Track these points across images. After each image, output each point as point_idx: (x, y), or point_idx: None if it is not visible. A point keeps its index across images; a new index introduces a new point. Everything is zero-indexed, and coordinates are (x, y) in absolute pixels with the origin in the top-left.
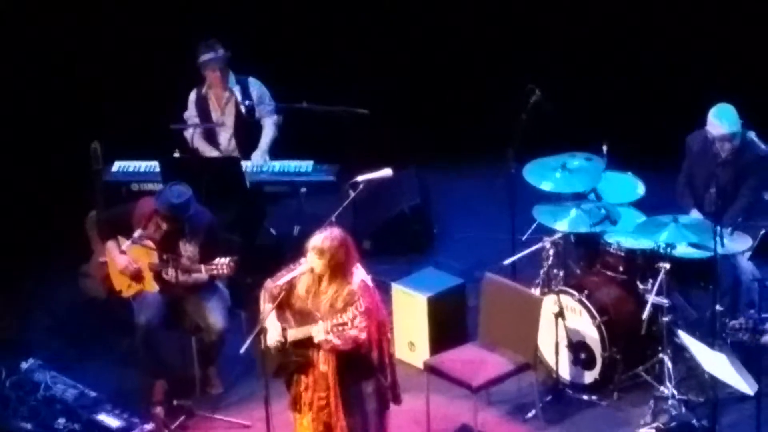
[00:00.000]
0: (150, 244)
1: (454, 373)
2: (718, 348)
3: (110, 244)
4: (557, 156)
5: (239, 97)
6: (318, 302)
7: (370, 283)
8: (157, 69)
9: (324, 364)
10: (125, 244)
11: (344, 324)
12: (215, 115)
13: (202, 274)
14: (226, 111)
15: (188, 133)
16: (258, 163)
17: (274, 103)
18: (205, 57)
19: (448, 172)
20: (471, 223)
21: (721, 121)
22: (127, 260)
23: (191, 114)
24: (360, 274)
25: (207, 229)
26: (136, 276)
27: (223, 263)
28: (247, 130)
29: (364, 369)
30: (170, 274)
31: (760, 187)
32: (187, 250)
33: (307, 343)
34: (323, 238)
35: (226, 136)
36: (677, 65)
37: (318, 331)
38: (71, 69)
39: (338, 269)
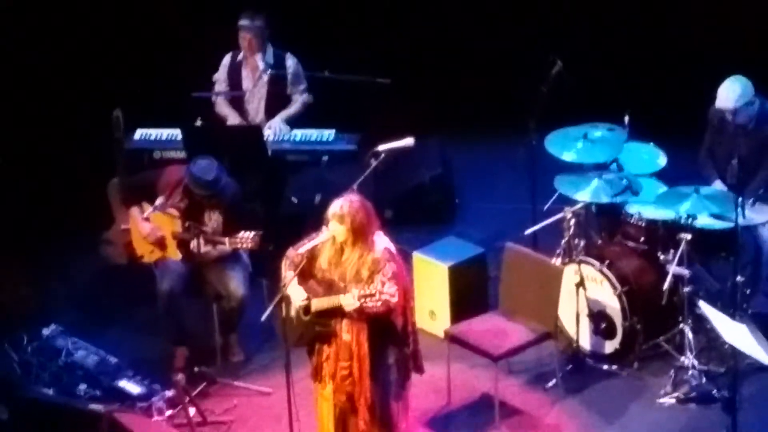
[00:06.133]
0: (174, 212)
1: (475, 342)
2: (739, 319)
3: (134, 210)
4: (579, 126)
5: (261, 65)
6: (342, 270)
7: (393, 249)
8: (180, 36)
9: (347, 333)
10: (147, 211)
11: (372, 295)
12: (246, 84)
13: (226, 246)
14: (259, 83)
15: (214, 97)
16: (275, 130)
17: (307, 83)
18: (241, 22)
19: (470, 142)
20: (492, 193)
21: (723, 94)
22: (150, 227)
23: (221, 77)
24: (383, 242)
25: (232, 200)
26: (160, 243)
27: (247, 237)
28: (277, 104)
29: (388, 338)
30: (194, 245)
31: None
32: (212, 219)
33: (330, 312)
34: (341, 204)
35: (254, 107)
36: (701, 35)
37: (349, 301)
38: (94, 36)
39: (360, 232)
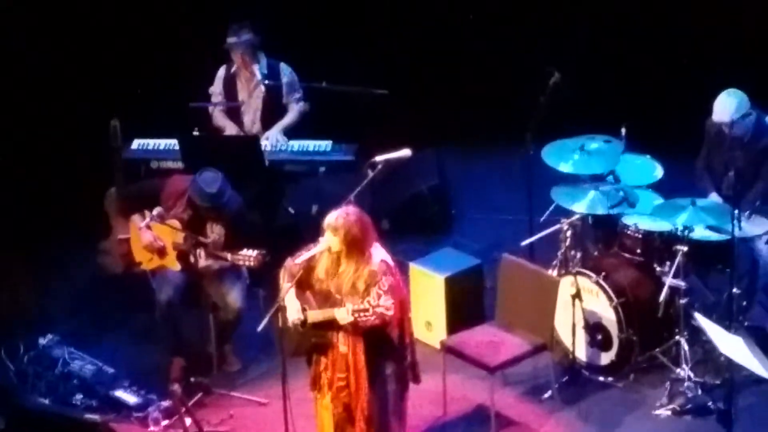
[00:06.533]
0: (176, 223)
1: (471, 353)
2: (735, 331)
3: (135, 217)
4: (576, 138)
5: (259, 76)
6: (339, 282)
7: (390, 262)
8: (178, 46)
9: (344, 344)
10: (146, 219)
11: (365, 310)
12: (242, 96)
13: (228, 262)
14: (254, 93)
15: (211, 109)
16: (272, 140)
17: (302, 92)
18: (228, 41)
19: (467, 153)
20: (489, 204)
21: (720, 108)
22: (152, 236)
23: (216, 90)
24: (380, 254)
25: (236, 214)
26: (160, 252)
27: (250, 256)
28: (273, 114)
29: (385, 349)
30: (194, 258)
31: None
32: (214, 231)
33: (326, 324)
34: (337, 216)
35: (250, 118)
36: (697, 47)
37: (342, 315)
38: (92, 46)
39: (354, 245)
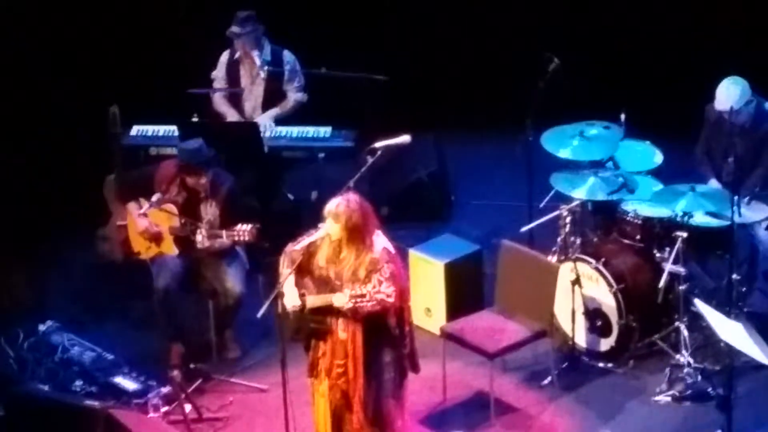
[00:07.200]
0: (171, 208)
1: (471, 339)
2: (734, 317)
3: (131, 206)
4: (575, 124)
5: (258, 61)
6: (340, 270)
7: (392, 250)
8: (177, 32)
9: (343, 331)
10: (144, 207)
11: (363, 296)
12: (244, 82)
13: (224, 239)
14: (257, 80)
15: (211, 94)
16: (262, 126)
17: (303, 81)
18: (233, 29)
19: (466, 139)
20: (488, 190)
21: (723, 96)
22: (147, 222)
23: (219, 75)
24: (381, 242)
25: (228, 192)
26: (156, 238)
27: (244, 230)
28: (274, 102)
29: (384, 337)
30: (198, 239)
31: None
32: (208, 212)
33: (325, 309)
34: (338, 203)
35: (251, 104)
36: (697, 33)
37: (340, 301)
38: (91, 32)
39: (355, 232)
